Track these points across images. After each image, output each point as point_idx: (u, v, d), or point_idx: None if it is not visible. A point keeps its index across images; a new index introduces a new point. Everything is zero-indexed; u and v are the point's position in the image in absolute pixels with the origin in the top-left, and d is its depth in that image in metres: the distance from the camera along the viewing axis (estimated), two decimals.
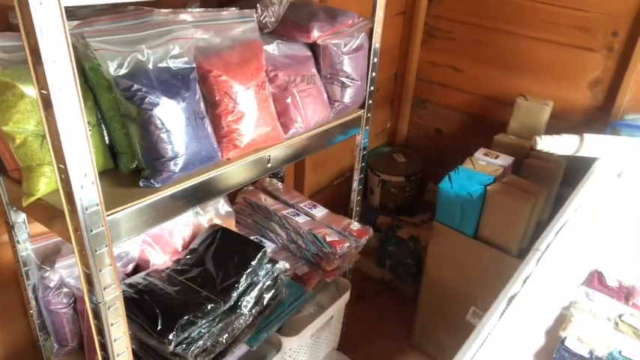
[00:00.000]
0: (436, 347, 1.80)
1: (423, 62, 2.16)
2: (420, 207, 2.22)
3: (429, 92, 2.19)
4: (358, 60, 1.26)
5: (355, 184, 1.48)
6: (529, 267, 0.94)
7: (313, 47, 1.21)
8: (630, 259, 0.99)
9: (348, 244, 1.34)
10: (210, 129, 0.95)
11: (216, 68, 0.96)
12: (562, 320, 0.82)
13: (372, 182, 2.18)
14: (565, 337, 0.78)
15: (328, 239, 1.33)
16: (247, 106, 1.00)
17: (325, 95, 1.22)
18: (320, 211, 1.44)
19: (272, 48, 1.12)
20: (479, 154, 1.69)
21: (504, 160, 1.65)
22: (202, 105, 0.94)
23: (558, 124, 1.81)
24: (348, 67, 1.23)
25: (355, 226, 1.42)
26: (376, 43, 1.30)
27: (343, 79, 1.24)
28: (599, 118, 1.78)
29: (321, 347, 1.50)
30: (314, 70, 1.20)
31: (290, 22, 1.16)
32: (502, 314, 0.83)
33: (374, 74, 1.33)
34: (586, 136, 1.40)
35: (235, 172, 1.01)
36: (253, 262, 1.13)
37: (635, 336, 0.80)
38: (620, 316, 0.84)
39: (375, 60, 1.32)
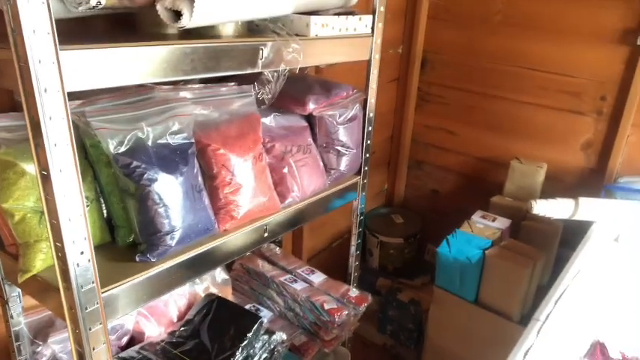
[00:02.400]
0: None
1: (418, 125, 2.22)
2: (420, 268, 2.20)
3: (425, 154, 2.23)
4: (353, 129, 1.29)
5: (353, 249, 1.48)
6: (529, 339, 0.92)
7: (309, 118, 1.25)
8: (632, 329, 0.97)
9: (346, 312, 1.33)
10: (207, 201, 0.96)
11: (214, 142, 0.99)
12: None
13: (370, 244, 2.17)
14: None
15: (326, 307, 1.32)
16: (244, 177, 1.01)
17: (321, 164, 1.25)
18: (318, 277, 1.43)
19: (269, 120, 1.16)
20: (476, 217, 1.70)
21: (502, 222, 1.66)
22: (200, 178, 0.96)
23: (554, 186, 1.84)
24: (343, 137, 1.26)
25: (354, 292, 1.40)
26: (370, 112, 1.34)
27: (339, 148, 1.26)
28: (594, 180, 1.80)
29: None
30: (310, 140, 1.23)
31: (287, 95, 1.20)
32: None
33: (369, 142, 1.37)
34: (581, 200, 1.41)
35: (232, 243, 1.02)
36: (249, 334, 1.11)
37: None
38: None
39: (370, 128, 1.35)
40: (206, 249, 0.96)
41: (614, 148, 1.74)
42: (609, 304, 1.05)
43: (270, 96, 1.09)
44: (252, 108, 1.09)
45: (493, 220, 1.67)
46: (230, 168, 1.00)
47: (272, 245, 1.55)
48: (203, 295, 1.27)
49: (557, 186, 1.85)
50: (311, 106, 1.18)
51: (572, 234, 1.47)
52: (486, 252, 1.46)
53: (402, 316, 1.97)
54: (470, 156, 2.10)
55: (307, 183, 1.18)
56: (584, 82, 1.77)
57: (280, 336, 1.16)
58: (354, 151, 1.30)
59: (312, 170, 1.20)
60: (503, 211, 1.73)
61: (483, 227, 1.63)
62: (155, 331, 1.19)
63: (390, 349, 2.06)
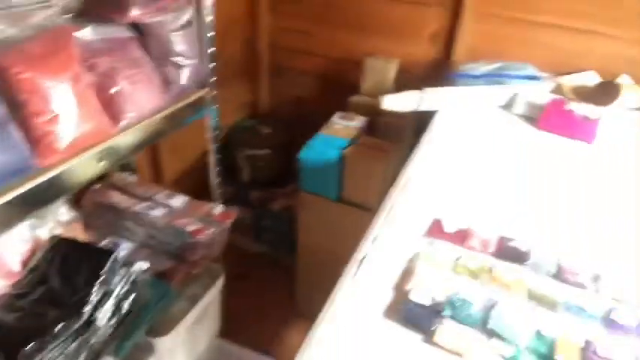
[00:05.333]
0: (319, 312, 1.84)
1: (274, 29, 2.12)
2: (291, 176, 2.22)
3: (285, 59, 2.17)
4: (190, 36, 1.18)
5: (212, 167, 1.42)
6: (377, 226, 0.97)
7: (137, 26, 1.11)
8: (466, 207, 1.06)
9: (212, 230, 1.30)
10: (17, 136, 0.83)
11: (15, 65, 0.84)
12: (408, 274, 0.86)
13: (239, 158, 2.13)
14: (410, 290, 0.82)
15: (189, 229, 1.28)
16: (62, 103, 0.89)
17: (158, 78, 1.14)
18: (178, 201, 1.37)
19: (87, 33, 1.01)
20: (336, 118, 1.71)
21: (359, 121, 1.69)
22: (3, 109, 0.82)
23: (406, 79, 1.90)
24: (179, 46, 1.15)
25: (217, 210, 1.37)
26: (208, 15, 1.23)
27: (176, 59, 1.16)
28: (442, 69, 1.88)
29: (201, 339, 1.46)
30: (140, 53, 1.10)
31: (104, 1, 1.04)
32: (354, 276, 0.85)
33: (211, 49, 1.27)
34: (425, 90, 1.47)
35: (61, 178, 0.91)
36: (104, 270, 1.04)
37: (470, 276, 0.87)
38: (457, 260, 0.90)
39: (210, 34, 1.25)
40: (27, 189, 0.84)
41: (457, 38, 1.81)
42: (449, 186, 1.13)
43: None
44: (60, 19, 0.94)
45: (352, 120, 1.70)
46: (41, 93, 0.86)
47: (124, 174, 1.45)
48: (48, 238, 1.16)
49: (409, 79, 1.91)
50: (133, 12, 1.04)
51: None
52: (344, 151, 1.49)
53: (276, 224, 2.01)
54: (328, 57, 2.08)
55: (144, 101, 1.08)
56: None
57: (139, 266, 1.11)
58: (195, 61, 1.20)
59: (147, 86, 1.09)
60: (362, 110, 1.77)
61: (342, 127, 1.65)
62: None
63: (268, 256, 2.11)
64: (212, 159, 1.41)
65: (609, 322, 0.80)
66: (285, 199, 2.06)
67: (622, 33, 1.65)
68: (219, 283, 1.46)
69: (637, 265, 0.92)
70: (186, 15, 1.16)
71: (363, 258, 0.89)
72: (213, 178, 1.45)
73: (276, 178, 2.19)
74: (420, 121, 1.74)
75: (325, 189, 1.56)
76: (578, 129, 1.37)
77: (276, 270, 2.08)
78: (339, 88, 2.08)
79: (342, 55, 2.05)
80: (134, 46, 1.09)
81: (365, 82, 1.83)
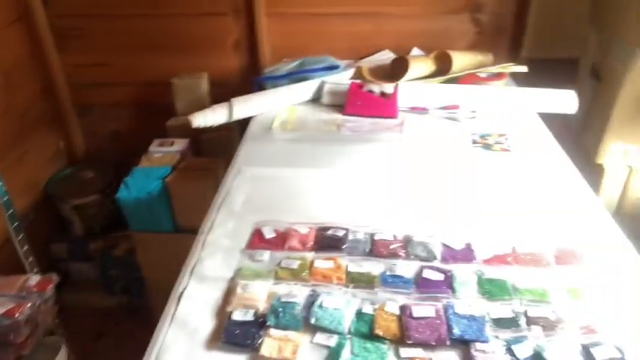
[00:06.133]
0: None
1: (69, 67, 1.95)
2: None
3: (90, 96, 2.01)
4: None
5: (12, 235, 1.27)
6: (195, 255, 0.94)
7: None
8: (285, 206, 1.07)
9: (29, 305, 1.16)
10: None
11: None
12: (230, 294, 0.84)
13: (66, 212, 1.94)
14: (231, 312, 0.80)
15: (2, 311, 1.12)
16: None
17: None
18: None
19: None
20: (154, 147, 1.64)
21: (180, 144, 1.64)
22: None
23: (220, 91, 1.87)
24: None
25: (32, 280, 1.23)
26: None
27: None
28: (252, 76, 1.89)
29: None
30: None
31: None
32: (174, 314, 0.81)
33: None
34: (233, 101, 1.47)
35: None
36: None
37: (292, 277, 0.87)
38: (278, 265, 0.90)
39: None
40: None
41: (258, 42, 1.84)
42: (269, 194, 1.13)
43: None
44: None
45: (171, 145, 1.63)
46: None
47: None
48: None
49: (225, 90, 1.89)
50: None
51: None
52: (166, 180, 1.43)
53: (125, 270, 1.87)
54: (135, 85, 1.98)
55: None
56: None
57: None
58: None
59: None
60: (181, 132, 1.71)
61: (162, 155, 1.58)
62: None
63: (124, 305, 1.96)
64: (9, 227, 1.25)
65: (422, 282, 0.86)
66: (128, 241, 1.92)
67: (405, 10, 1.81)
68: (62, 354, 1.32)
69: (441, 227, 1.00)
70: None
71: (182, 292, 0.85)
72: (19, 247, 1.30)
73: (114, 222, 2.03)
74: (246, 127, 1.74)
75: (157, 224, 1.48)
76: (379, 107, 1.47)
77: (136, 317, 1.93)
78: (156, 113, 1.99)
79: (151, 79, 1.96)
80: None
81: (178, 102, 1.77)
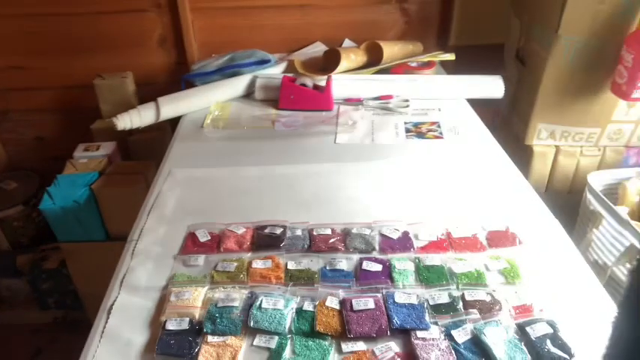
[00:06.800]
0: None
1: None
2: None
3: (5, 101, 1.88)
4: None
5: None
6: (125, 264, 0.89)
7: None
8: (220, 208, 1.04)
9: None
10: None
11: None
12: (163, 303, 0.80)
13: None
14: (165, 321, 0.76)
15: None
16: None
17: None
18: None
19: None
20: (78, 152, 1.54)
21: (106, 148, 1.55)
22: None
23: (149, 90, 1.79)
24: None
25: None
26: None
27: None
28: (182, 73, 1.82)
29: None
30: None
31: None
32: (103, 331, 0.76)
33: None
34: (160, 100, 1.40)
35: None
36: None
37: (228, 280, 0.84)
38: (214, 268, 0.87)
39: None
40: None
41: (184, 37, 1.77)
42: (198, 194, 1.09)
43: None
44: None
45: (97, 149, 1.55)
46: None
47: None
48: None
49: (152, 89, 1.81)
50: None
51: None
52: (92, 187, 1.35)
53: (58, 283, 1.76)
54: (56, 88, 1.86)
55: None
56: None
57: None
58: None
59: None
60: (108, 135, 1.62)
61: (88, 161, 1.49)
62: None
63: (63, 320, 1.86)
64: None
65: (362, 275, 0.86)
66: (60, 253, 1.81)
67: (335, 1, 1.79)
68: None
69: (379, 217, 1.00)
70: None
71: (112, 304, 0.80)
72: None
73: (44, 233, 1.91)
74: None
75: (87, 233, 1.40)
76: (314, 100, 1.45)
77: (75, 331, 1.83)
78: (81, 117, 1.89)
79: (74, 81, 1.84)
80: None
81: (103, 104, 1.68)
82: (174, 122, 1.44)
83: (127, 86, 1.68)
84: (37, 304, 1.84)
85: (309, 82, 1.47)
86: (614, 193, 1.42)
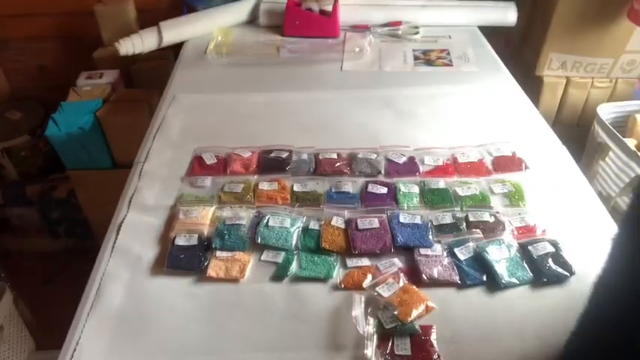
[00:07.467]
0: None
1: None
2: None
3: (4, 28, 1.83)
4: None
5: None
6: (132, 185, 0.90)
7: None
8: (226, 132, 1.03)
9: None
10: None
11: None
12: (171, 221, 0.82)
13: None
14: (175, 237, 0.77)
15: None
16: None
17: None
18: None
19: None
20: (81, 80, 1.53)
21: (109, 76, 1.53)
22: None
23: (151, 17, 1.73)
24: None
25: None
26: None
27: None
28: None
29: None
30: None
31: None
32: (113, 246, 0.78)
33: None
34: (162, 24, 1.37)
35: None
36: None
37: (236, 200, 0.86)
38: (221, 189, 0.88)
39: None
40: None
41: None
42: (203, 118, 1.09)
43: None
44: None
45: (100, 77, 1.53)
46: None
47: None
48: None
49: (154, 17, 1.76)
50: None
51: None
52: (97, 114, 1.34)
53: (67, 212, 1.80)
54: (57, 14, 1.80)
55: None
56: None
57: None
58: None
59: None
60: (110, 63, 1.59)
61: (91, 88, 1.48)
62: None
63: (73, 248, 1.91)
64: None
65: (367, 197, 0.87)
66: (69, 182, 1.83)
67: None
68: (6, 300, 1.27)
69: (385, 142, 1.00)
70: None
71: (121, 222, 0.82)
72: None
73: (51, 163, 1.93)
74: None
75: (93, 161, 1.41)
76: (320, 26, 1.41)
77: (85, 259, 1.89)
78: (82, 45, 1.85)
79: (72, 8, 1.78)
80: None
81: (104, 31, 1.64)
82: (177, 51, 1.41)
83: (127, 12, 1.63)
84: (48, 233, 1.88)
85: (315, 6, 1.42)
86: (622, 125, 1.41)
